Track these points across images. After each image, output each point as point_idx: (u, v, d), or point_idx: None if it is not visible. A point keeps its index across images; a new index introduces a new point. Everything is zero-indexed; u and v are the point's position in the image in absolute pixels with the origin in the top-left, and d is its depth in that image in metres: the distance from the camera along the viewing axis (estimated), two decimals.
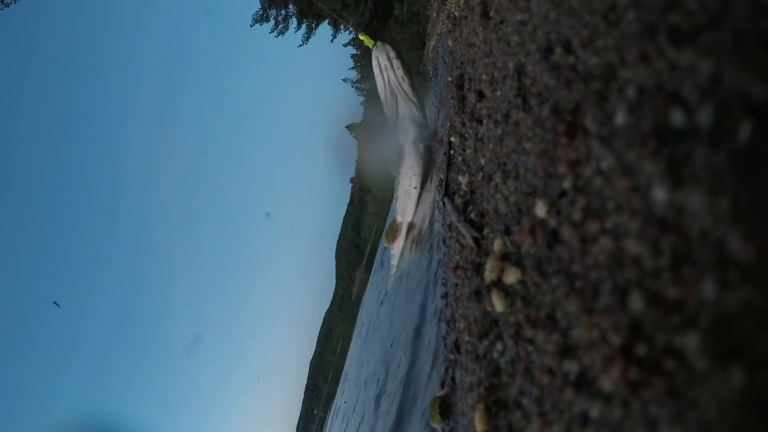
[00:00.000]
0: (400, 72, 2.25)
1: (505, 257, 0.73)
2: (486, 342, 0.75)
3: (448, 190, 1.25)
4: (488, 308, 0.75)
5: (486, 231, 0.87)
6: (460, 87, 1.28)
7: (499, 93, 0.89)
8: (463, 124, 1.17)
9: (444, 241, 1.20)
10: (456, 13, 1.54)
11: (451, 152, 1.29)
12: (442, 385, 0.97)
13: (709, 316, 0.34)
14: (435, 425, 0.92)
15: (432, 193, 1.85)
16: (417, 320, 1.66)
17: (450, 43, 1.61)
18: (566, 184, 0.56)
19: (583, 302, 0.49)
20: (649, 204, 0.41)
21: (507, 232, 0.74)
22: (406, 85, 2.23)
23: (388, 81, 2.26)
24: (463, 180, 1.08)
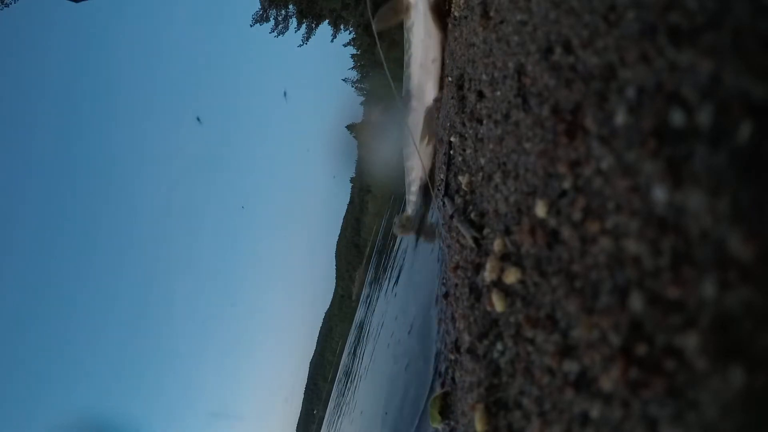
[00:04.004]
0: None
1: (505, 257, 0.73)
2: (486, 342, 0.75)
3: (448, 190, 1.25)
4: (488, 308, 0.75)
5: (486, 231, 0.87)
6: (460, 87, 1.28)
7: (499, 93, 0.89)
8: (463, 124, 1.17)
9: (444, 241, 1.20)
10: (456, 13, 1.53)
11: (451, 152, 1.29)
12: (442, 385, 0.97)
13: (709, 316, 0.34)
14: (435, 425, 0.92)
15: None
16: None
17: (450, 43, 1.61)
18: (566, 184, 0.56)
19: (583, 302, 0.49)
20: (649, 204, 0.41)
21: (507, 232, 0.74)
22: None
23: None
24: (463, 180, 1.08)
